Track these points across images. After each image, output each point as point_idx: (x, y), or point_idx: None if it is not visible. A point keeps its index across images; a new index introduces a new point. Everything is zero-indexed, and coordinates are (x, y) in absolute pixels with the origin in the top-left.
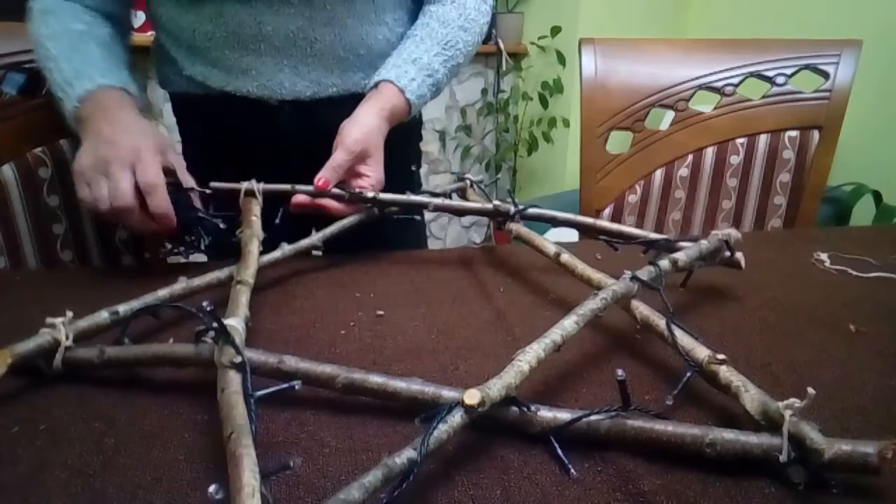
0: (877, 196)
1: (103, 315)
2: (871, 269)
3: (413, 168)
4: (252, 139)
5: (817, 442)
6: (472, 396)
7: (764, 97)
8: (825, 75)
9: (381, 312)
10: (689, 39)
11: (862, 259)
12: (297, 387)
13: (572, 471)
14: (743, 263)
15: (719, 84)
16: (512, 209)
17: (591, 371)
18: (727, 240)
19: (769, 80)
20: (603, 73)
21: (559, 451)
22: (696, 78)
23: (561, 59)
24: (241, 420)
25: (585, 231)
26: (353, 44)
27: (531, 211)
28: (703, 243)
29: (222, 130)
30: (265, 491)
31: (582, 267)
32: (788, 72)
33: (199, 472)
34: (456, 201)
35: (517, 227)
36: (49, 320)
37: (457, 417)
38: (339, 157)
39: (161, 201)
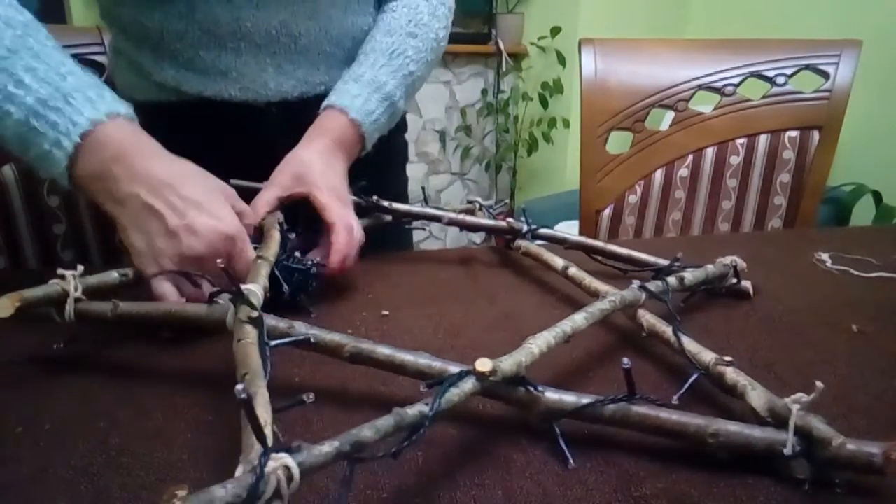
0: (877, 196)
1: (112, 275)
2: (873, 270)
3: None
4: (238, 147)
5: (824, 432)
6: (483, 364)
7: (764, 97)
8: (825, 75)
9: (385, 312)
10: (689, 39)
11: (863, 259)
12: (311, 339)
13: (570, 461)
14: (751, 292)
15: (719, 84)
16: (525, 228)
17: (597, 368)
18: (734, 265)
19: (769, 80)
20: (603, 74)
21: (561, 441)
22: (696, 78)
23: (561, 60)
24: (256, 365)
25: (595, 254)
26: (339, 37)
27: (543, 231)
28: (710, 267)
29: (204, 140)
30: (276, 428)
31: (589, 279)
32: (788, 72)
33: (203, 472)
34: (468, 217)
35: (526, 245)
36: (60, 271)
37: (468, 384)
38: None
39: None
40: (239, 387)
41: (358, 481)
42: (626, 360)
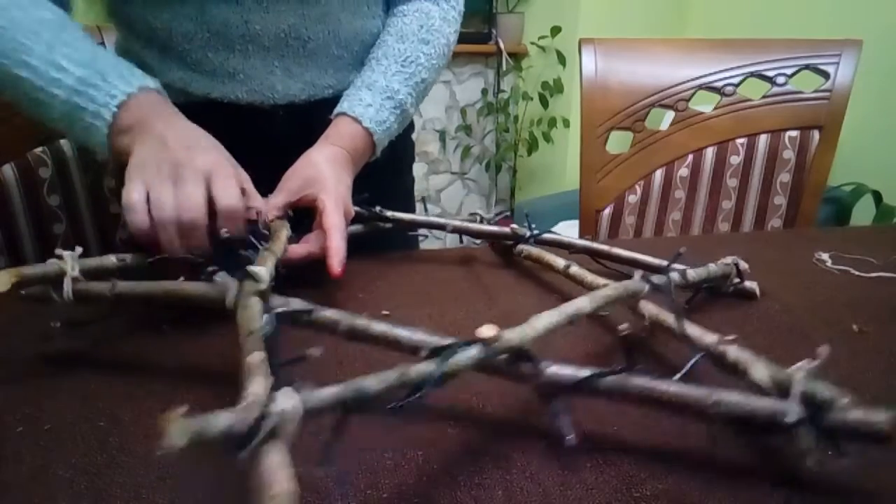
0: (877, 196)
1: (110, 259)
2: (873, 269)
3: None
4: (245, 149)
5: (829, 394)
6: (489, 329)
7: (764, 97)
8: (825, 75)
9: (385, 312)
10: (689, 39)
11: (863, 259)
12: (312, 314)
13: (569, 437)
14: (758, 293)
15: (719, 84)
16: (528, 233)
17: (601, 364)
18: (736, 264)
19: (769, 80)
20: (603, 73)
21: (559, 419)
22: (696, 78)
23: (561, 59)
24: (256, 325)
25: (600, 257)
26: (348, 40)
27: (547, 236)
28: (712, 266)
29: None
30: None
31: (591, 277)
32: (788, 72)
33: (203, 472)
34: (473, 224)
35: (528, 248)
36: (58, 251)
37: (472, 350)
38: (274, 200)
39: (237, 228)
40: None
41: (358, 481)
42: (624, 325)
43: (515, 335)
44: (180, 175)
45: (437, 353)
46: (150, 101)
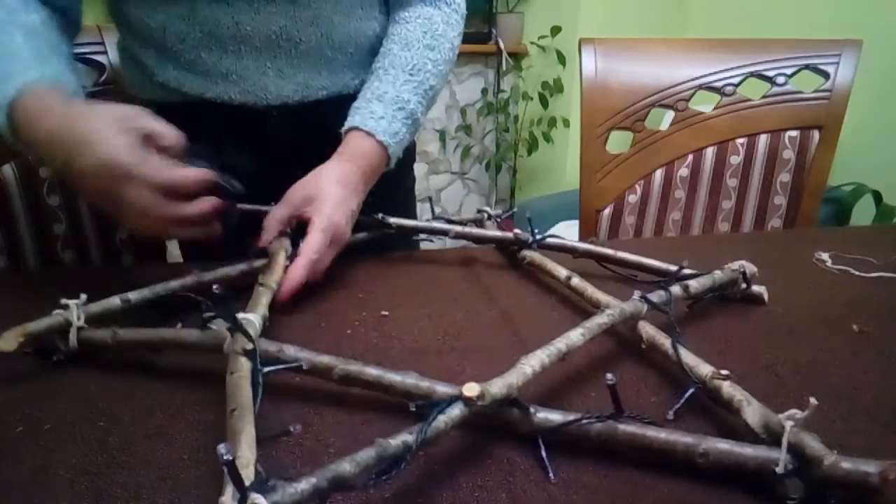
0: (877, 196)
1: (115, 301)
2: (873, 269)
3: (409, 188)
4: (239, 150)
5: (818, 450)
6: (471, 389)
7: (764, 97)
8: (825, 75)
9: (385, 313)
10: (689, 39)
11: (863, 259)
12: (304, 366)
13: (551, 474)
14: (766, 297)
15: (719, 84)
16: (530, 238)
17: (600, 375)
18: (743, 271)
19: (769, 80)
20: (603, 73)
21: (543, 453)
22: (696, 78)
23: (561, 59)
24: (246, 399)
25: (605, 261)
26: (342, 42)
27: (551, 241)
28: (717, 273)
29: (206, 141)
30: (259, 467)
31: (591, 290)
32: (788, 72)
33: (203, 472)
34: (475, 229)
35: (531, 255)
36: (63, 301)
37: (455, 410)
38: (277, 212)
39: (184, 177)
40: (221, 448)
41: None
42: (609, 376)
43: (501, 387)
44: (112, 194)
45: (424, 410)
46: (26, 109)
